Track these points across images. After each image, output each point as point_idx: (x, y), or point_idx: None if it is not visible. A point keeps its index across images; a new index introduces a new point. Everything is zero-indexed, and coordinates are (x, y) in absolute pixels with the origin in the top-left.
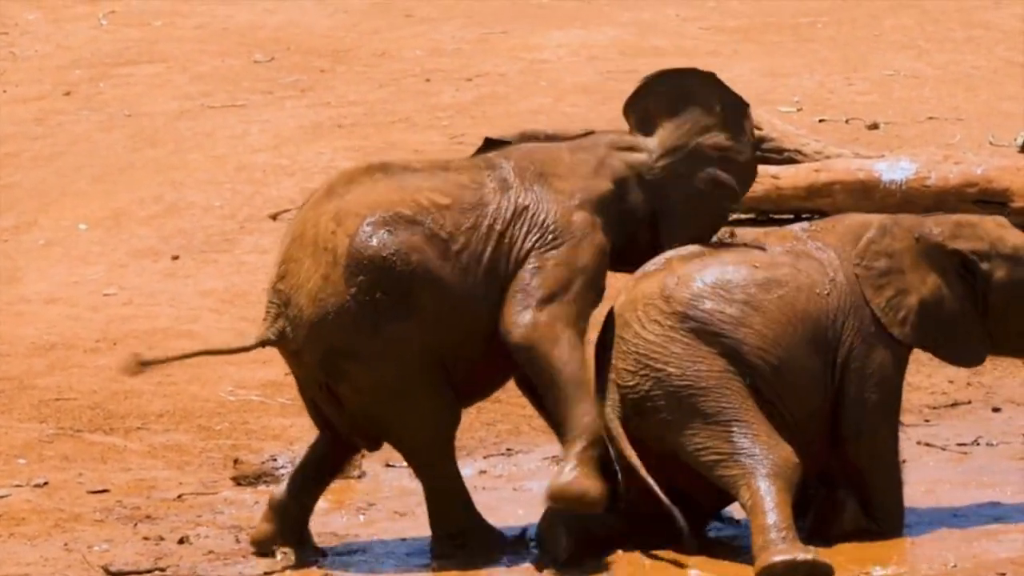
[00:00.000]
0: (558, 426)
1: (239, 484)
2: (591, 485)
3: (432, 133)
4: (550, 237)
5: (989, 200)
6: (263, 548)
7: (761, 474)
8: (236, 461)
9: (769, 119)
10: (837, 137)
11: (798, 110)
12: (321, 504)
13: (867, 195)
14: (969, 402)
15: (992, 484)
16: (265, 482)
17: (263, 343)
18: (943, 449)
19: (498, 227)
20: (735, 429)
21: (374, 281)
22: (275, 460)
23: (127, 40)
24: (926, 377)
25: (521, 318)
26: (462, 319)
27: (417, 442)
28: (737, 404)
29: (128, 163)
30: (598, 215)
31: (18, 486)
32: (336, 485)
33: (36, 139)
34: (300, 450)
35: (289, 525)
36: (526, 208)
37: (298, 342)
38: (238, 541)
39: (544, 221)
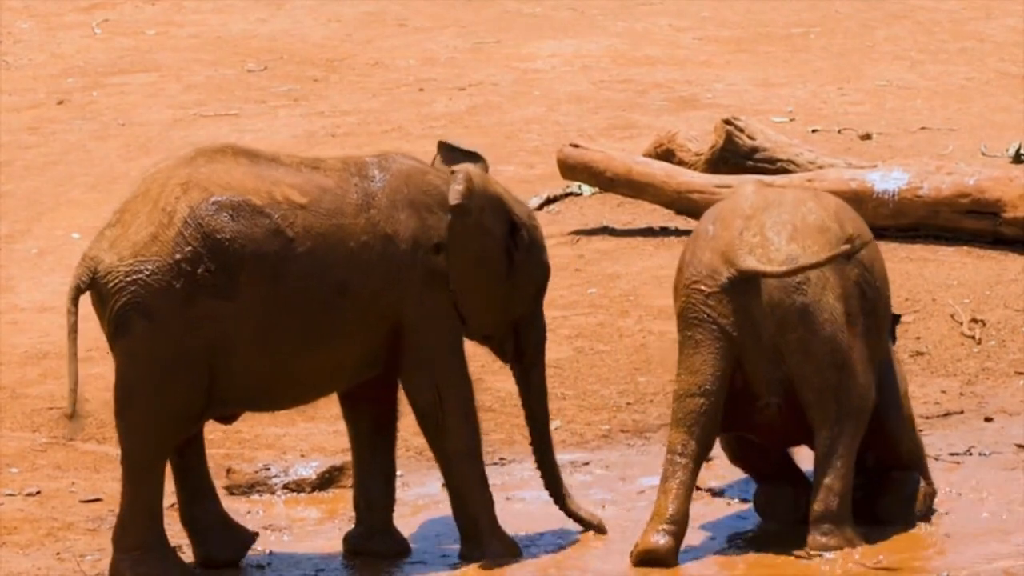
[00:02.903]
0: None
1: (232, 493)
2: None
3: (426, 142)
4: (404, 283)
5: (981, 210)
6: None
7: (851, 426)
8: (229, 470)
9: (762, 129)
10: (830, 147)
11: (791, 120)
12: (314, 513)
13: (860, 205)
14: (962, 412)
15: (985, 494)
16: (258, 491)
17: (78, 286)
18: (936, 459)
19: (351, 244)
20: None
21: (201, 257)
22: (268, 469)
23: (121, 49)
24: (919, 387)
25: (421, 389)
26: (285, 322)
27: (139, 433)
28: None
29: (122, 172)
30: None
31: (10, 495)
32: (329, 495)
33: (29, 148)
34: (293, 459)
35: (216, 537)
36: (385, 236)
37: (107, 289)
38: None
39: (398, 259)
